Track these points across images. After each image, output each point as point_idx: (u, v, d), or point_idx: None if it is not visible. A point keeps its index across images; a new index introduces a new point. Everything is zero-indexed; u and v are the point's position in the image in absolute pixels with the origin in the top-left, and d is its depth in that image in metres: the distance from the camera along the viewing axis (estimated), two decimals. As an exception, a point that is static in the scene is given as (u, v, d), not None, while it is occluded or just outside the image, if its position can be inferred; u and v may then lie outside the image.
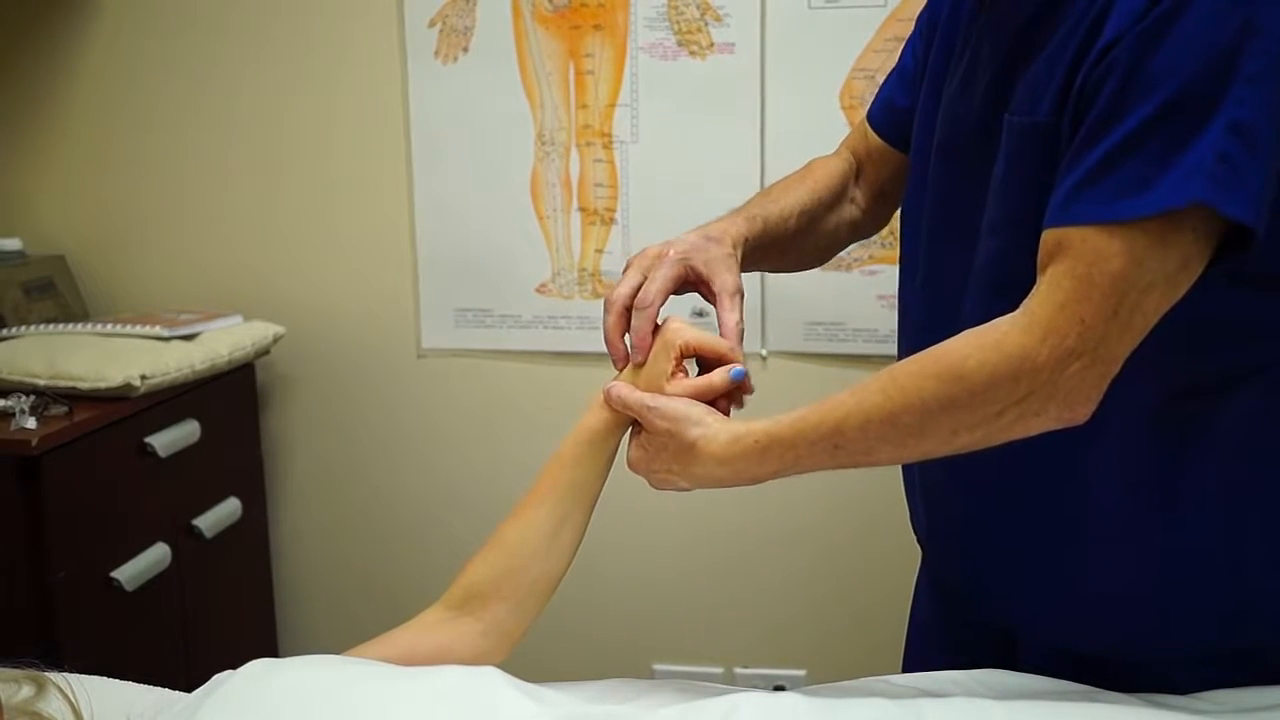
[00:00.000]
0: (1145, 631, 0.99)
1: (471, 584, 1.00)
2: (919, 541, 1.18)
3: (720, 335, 1.04)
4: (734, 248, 1.09)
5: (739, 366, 1.00)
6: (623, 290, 1.06)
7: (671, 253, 1.06)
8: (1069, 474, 0.97)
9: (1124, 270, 0.81)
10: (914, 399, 0.87)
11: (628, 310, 1.06)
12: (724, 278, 1.06)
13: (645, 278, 1.06)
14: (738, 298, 1.06)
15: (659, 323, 1.05)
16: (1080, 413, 0.85)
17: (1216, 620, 0.97)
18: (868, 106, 1.27)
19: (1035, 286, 0.85)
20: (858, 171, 1.26)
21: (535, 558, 1.00)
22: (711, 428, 0.95)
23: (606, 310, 1.07)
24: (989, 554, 1.05)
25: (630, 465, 1.02)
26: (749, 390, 1.02)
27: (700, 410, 0.97)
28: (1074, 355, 0.82)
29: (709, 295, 1.07)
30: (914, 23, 1.20)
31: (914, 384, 0.87)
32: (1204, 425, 0.93)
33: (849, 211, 1.25)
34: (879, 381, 0.89)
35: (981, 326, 0.87)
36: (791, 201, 1.19)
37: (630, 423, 1.03)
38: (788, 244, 1.19)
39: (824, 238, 1.23)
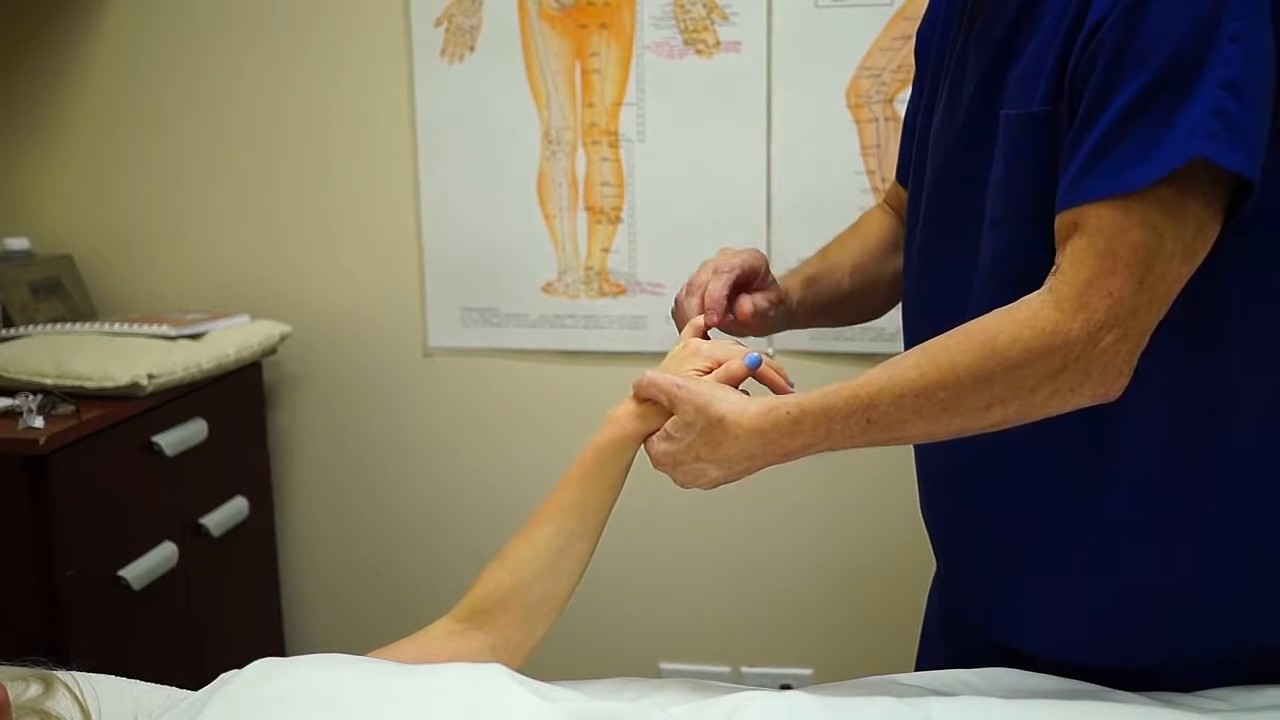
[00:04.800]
0: (1161, 641, 0.98)
1: (479, 598, 1.00)
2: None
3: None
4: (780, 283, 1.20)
5: (754, 353, 1.02)
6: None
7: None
8: (1083, 472, 0.96)
9: (1144, 241, 0.82)
10: (948, 372, 0.87)
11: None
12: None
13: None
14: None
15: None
16: (1115, 388, 0.86)
17: (1239, 621, 0.96)
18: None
19: (1056, 265, 0.86)
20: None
21: (540, 575, 1.00)
22: (740, 402, 0.95)
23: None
24: (995, 563, 1.04)
25: (655, 461, 1.01)
26: (777, 383, 1.04)
27: (726, 389, 0.98)
28: (1105, 328, 0.83)
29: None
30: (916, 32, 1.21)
31: (948, 357, 0.88)
32: (1231, 410, 0.92)
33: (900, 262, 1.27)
34: (913, 357, 0.90)
35: (1011, 305, 0.87)
36: (843, 258, 1.24)
37: (639, 441, 1.03)
38: (843, 301, 1.24)
39: (882, 287, 1.25)
